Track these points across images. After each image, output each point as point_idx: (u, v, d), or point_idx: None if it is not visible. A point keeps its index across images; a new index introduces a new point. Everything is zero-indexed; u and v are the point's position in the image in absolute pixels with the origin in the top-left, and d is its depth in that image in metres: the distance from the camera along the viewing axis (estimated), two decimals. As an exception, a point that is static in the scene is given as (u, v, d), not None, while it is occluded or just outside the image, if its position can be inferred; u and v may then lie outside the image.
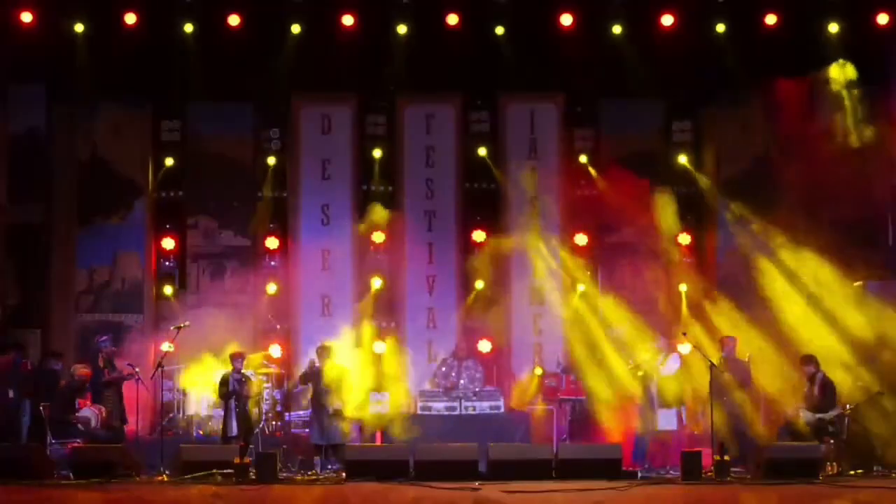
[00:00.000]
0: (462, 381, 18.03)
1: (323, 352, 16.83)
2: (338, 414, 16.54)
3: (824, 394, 16.19)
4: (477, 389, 17.93)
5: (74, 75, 19.35)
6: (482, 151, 19.97)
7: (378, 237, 19.74)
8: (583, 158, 19.96)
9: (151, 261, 19.94)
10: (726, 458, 15.07)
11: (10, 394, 16.96)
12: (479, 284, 19.45)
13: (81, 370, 16.83)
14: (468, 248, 19.89)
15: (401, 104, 20.21)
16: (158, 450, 15.93)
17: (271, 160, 20.06)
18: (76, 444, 15.90)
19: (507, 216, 19.91)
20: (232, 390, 16.62)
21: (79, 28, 19.18)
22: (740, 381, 16.62)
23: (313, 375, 16.73)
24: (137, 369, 16.94)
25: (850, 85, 18.88)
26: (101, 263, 19.76)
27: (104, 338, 17.28)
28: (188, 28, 19.32)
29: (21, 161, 19.55)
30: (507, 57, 19.56)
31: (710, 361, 16.17)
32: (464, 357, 18.41)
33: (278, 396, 18.18)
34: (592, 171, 19.80)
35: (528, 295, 19.74)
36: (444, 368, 18.40)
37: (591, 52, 19.42)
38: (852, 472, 15.36)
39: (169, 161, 19.94)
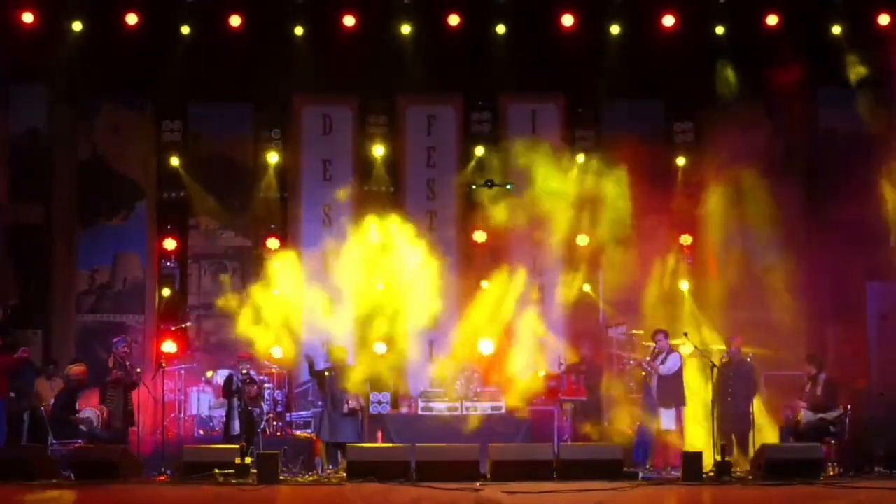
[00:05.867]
0: (458, 383, 17.98)
1: (338, 352, 16.95)
2: (352, 413, 16.60)
3: (826, 394, 16.20)
4: (478, 390, 17.91)
5: (75, 75, 19.36)
6: (480, 151, 19.98)
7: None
8: (581, 158, 19.96)
9: (153, 261, 19.95)
10: (727, 458, 15.07)
11: (12, 394, 16.99)
12: (483, 285, 19.45)
13: (75, 369, 16.85)
14: (469, 248, 19.88)
15: (402, 104, 20.23)
16: (160, 450, 15.92)
17: (272, 160, 20.07)
18: (78, 445, 15.91)
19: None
20: (235, 390, 16.64)
21: (80, 28, 19.19)
22: (743, 382, 16.61)
23: (328, 374, 16.80)
24: (140, 372, 16.98)
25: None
26: (102, 264, 19.78)
27: (118, 339, 17.28)
28: (188, 28, 19.33)
29: (22, 161, 19.60)
30: (508, 57, 19.57)
31: (712, 362, 16.17)
32: (459, 358, 18.34)
33: (280, 397, 18.18)
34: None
35: (529, 294, 19.71)
36: (440, 370, 18.35)
37: (591, 53, 19.43)
38: (853, 473, 15.35)
39: (171, 161, 19.94)
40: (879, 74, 18.83)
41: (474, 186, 19.66)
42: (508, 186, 19.54)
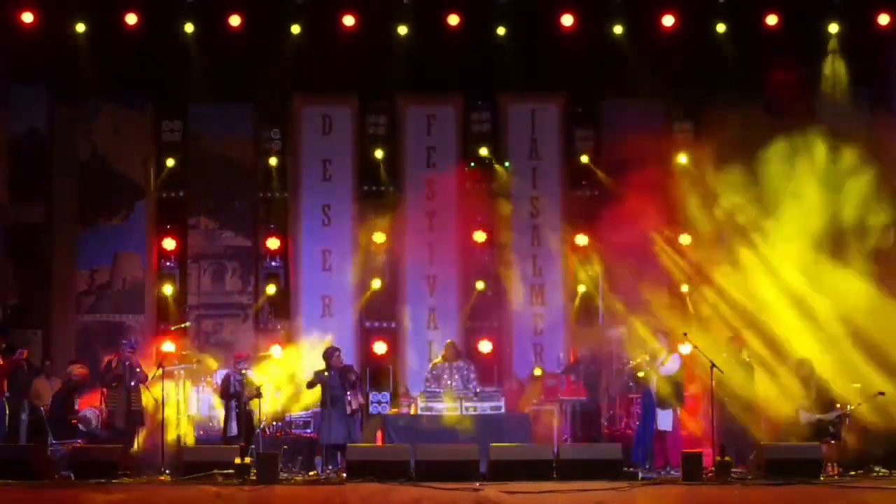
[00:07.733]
0: (454, 384, 17.94)
1: (333, 352, 16.87)
2: (355, 413, 16.60)
3: (820, 396, 16.23)
4: (478, 390, 17.88)
5: (75, 75, 19.39)
6: (483, 151, 20.02)
7: (379, 237, 19.76)
8: (584, 158, 19.98)
9: (152, 261, 19.95)
10: (727, 458, 15.07)
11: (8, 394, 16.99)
12: (480, 285, 19.47)
13: (78, 370, 16.85)
14: (469, 248, 19.89)
15: (402, 104, 20.23)
16: (160, 450, 15.94)
17: (272, 160, 20.07)
18: (77, 445, 15.91)
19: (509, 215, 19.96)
20: (233, 391, 16.63)
21: (80, 28, 19.22)
22: (741, 383, 16.62)
23: (324, 378, 16.68)
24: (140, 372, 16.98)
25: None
26: (101, 264, 19.79)
27: (125, 341, 17.26)
28: (189, 28, 19.35)
29: (22, 161, 19.62)
30: (508, 57, 19.58)
31: (711, 362, 16.15)
32: (453, 359, 18.29)
33: (279, 397, 18.16)
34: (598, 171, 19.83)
35: (529, 295, 19.73)
36: (434, 371, 18.29)
37: (591, 53, 19.44)
38: (853, 473, 15.36)
39: (170, 161, 19.95)
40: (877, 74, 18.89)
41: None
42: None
